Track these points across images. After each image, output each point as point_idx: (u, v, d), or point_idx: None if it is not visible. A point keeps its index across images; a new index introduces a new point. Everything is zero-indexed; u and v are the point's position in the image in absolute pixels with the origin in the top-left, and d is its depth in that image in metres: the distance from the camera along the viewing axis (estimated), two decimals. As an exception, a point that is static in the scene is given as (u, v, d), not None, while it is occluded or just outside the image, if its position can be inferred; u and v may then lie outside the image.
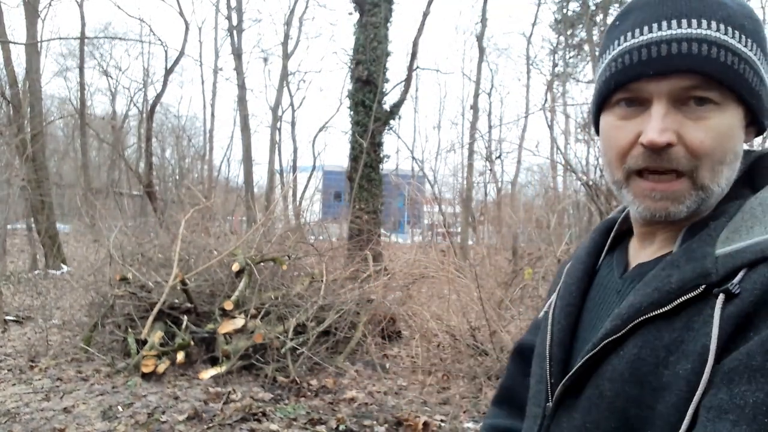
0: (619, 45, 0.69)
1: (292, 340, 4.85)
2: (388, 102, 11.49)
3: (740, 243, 0.63)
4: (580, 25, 17.34)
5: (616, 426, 0.66)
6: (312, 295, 5.53)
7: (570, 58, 19.70)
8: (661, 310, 0.64)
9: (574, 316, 0.80)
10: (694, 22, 0.65)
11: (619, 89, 0.69)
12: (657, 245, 0.75)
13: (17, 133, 11.10)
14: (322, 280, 5.73)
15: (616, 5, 15.29)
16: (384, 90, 11.11)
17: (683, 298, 0.63)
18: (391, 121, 11.66)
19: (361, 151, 10.65)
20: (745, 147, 0.73)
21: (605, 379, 0.67)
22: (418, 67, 14.41)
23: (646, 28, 0.67)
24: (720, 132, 0.66)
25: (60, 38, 21.00)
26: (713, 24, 0.65)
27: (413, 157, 17.32)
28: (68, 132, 25.71)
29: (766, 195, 0.68)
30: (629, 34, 0.68)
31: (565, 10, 18.65)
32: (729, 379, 0.57)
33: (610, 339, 0.67)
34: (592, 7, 15.80)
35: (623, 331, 0.66)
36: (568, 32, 18.84)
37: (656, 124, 0.65)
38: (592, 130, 0.81)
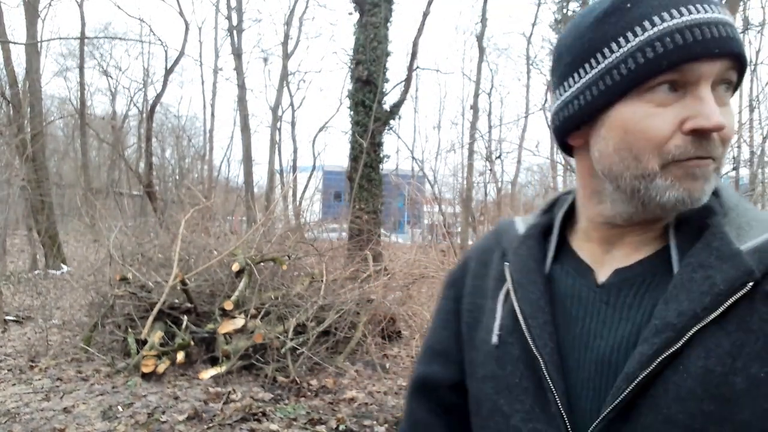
0: (653, 26, 0.63)
1: (292, 340, 4.85)
2: (388, 102, 11.50)
3: (757, 239, 0.63)
4: (580, 25, 17.32)
5: None
6: (312, 295, 5.53)
7: (570, 58, 19.66)
8: (714, 315, 0.60)
9: (555, 336, 0.70)
10: (716, 8, 0.64)
11: (667, 71, 0.63)
12: (627, 248, 0.71)
13: (17, 133, 11.10)
14: (322, 280, 5.73)
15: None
16: (384, 90, 11.11)
17: (732, 299, 0.60)
18: (391, 121, 11.66)
19: (361, 151, 10.65)
20: None
21: (669, 399, 0.60)
22: (418, 67, 14.42)
23: (684, 9, 0.63)
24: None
25: (60, 38, 21.02)
26: (724, 10, 0.64)
27: (413, 157, 17.30)
28: (68, 132, 25.72)
29: (730, 194, 0.71)
30: (665, 15, 0.63)
31: (565, 10, 18.65)
32: None
33: (666, 354, 0.60)
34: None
35: (680, 343, 0.60)
36: (568, 32, 18.82)
37: (715, 108, 0.62)
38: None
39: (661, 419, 0.60)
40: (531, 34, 26.19)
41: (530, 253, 0.76)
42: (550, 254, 0.76)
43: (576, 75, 0.69)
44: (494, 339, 0.74)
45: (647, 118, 0.64)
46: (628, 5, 0.65)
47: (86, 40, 18.44)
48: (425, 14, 12.39)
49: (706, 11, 0.63)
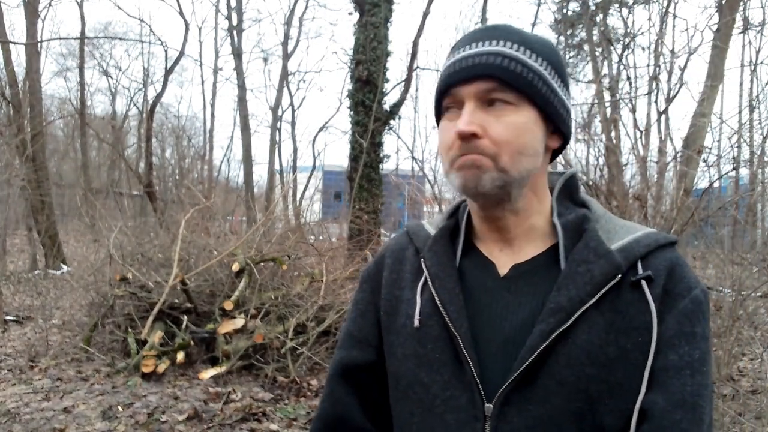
0: (447, 62, 0.85)
1: (292, 340, 4.85)
2: (388, 102, 11.49)
3: (619, 242, 0.82)
4: (580, 25, 17.34)
5: (580, 406, 0.76)
6: (312, 295, 5.53)
7: (570, 58, 19.69)
8: (593, 300, 0.77)
9: (469, 317, 0.84)
10: (494, 42, 0.83)
11: (445, 95, 0.84)
12: (517, 245, 0.88)
13: (17, 133, 11.10)
14: (322, 280, 5.73)
15: (616, 5, 15.33)
16: (384, 90, 11.10)
17: (606, 288, 0.78)
18: (391, 121, 11.66)
19: (361, 151, 10.65)
20: (552, 170, 0.93)
21: (561, 366, 0.76)
22: (418, 67, 14.42)
23: (462, 49, 0.84)
24: (516, 126, 0.81)
25: (60, 38, 21.02)
26: (508, 44, 0.82)
27: (413, 157, 17.28)
28: (68, 132, 25.71)
29: (597, 206, 0.89)
30: (452, 55, 0.85)
31: (565, 10, 18.65)
32: (671, 344, 0.76)
33: (560, 330, 0.76)
34: (592, 7, 15.79)
35: (570, 321, 0.76)
36: (568, 32, 18.84)
37: (464, 118, 0.80)
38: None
39: (555, 382, 0.76)
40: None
41: (444, 251, 0.91)
42: (458, 251, 0.91)
43: None
44: (416, 322, 0.87)
45: (443, 130, 0.86)
46: (455, 42, 0.88)
47: (86, 40, 18.46)
48: (425, 14, 12.40)
49: (477, 47, 0.83)
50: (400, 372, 0.89)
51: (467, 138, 0.80)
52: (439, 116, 0.89)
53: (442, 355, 0.84)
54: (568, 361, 0.76)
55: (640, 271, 0.79)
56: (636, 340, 0.76)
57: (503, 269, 0.87)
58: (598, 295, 0.77)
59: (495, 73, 0.80)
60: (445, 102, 0.85)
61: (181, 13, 23.25)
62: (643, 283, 0.78)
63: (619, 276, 0.78)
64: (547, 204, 0.89)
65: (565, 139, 0.89)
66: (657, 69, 7.19)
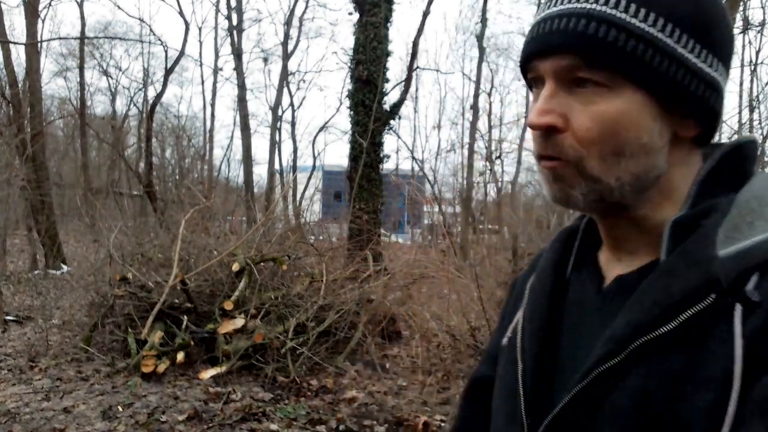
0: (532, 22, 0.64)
1: (292, 340, 4.85)
2: (388, 102, 11.51)
3: (744, 242, 0.53)
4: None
5: None
6: (312, 295, 5.53)
7: (570, 58, 19.67)
8: (665, 329, 0.53)
9: (547, 342, 0.67)
10: None
11: (528, 66, 0.64)
12: (633, 253, 0.65)
13: (17, 133, 11.10)
14: (322, 280, 5.73)
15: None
16: (384, 90, 11.12)
17: (690, 312, 0.52)
18: (391, 121, 11.68)
19: (361, 151, 10.66)
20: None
21: (604, 418, 0.56)
22: (418, 67, 14.43)
23: (548, 3, 0.62)
24: (607, 118, 0.58)
25: (60, 38, 20.99)
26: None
27: (413, 157, 17.34)
28: (68, 132, 25.71)
29: (757, 186, 0.59)
30: (539, 11, 0.63)
31: (565, 10, 18.62)
32: (763, 410, 0.47)
33: (604, 367, 0.56)
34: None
35: (621, 356, 0.55)
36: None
37: (537, 105, 0.60)
38: None
39: None
40: (531, 34, 26.08)
41: (552, 257, 0.74)
42: (571, 258, 0.73)
43: None
44: (504, 341, 0.75)
45: (530, 111, 0.64)
46: None
47: (86, 40, 18.45)
48: (425, 14, 12.41)
49: (561, 3, 0.60)
50: (494, 394, 0.76)
51: (543, 132, 0.61)
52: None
53: (514, 383, 0.69)
54: (612, 413, 0.55)
55: (750, 288, 0.51)
56: (708, 397, 0.50)
57: (609, 282, 0.67)
58: (676, 323, 0.53)
59: (576, 45, 0.58)
60: (529, 73, 0.64)
61: (181, 13, 23.29)
62: (737, 308, 0.51)
63: (713, 296, 0.52)
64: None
65: (707, 123, 0.62)
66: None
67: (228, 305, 5.05)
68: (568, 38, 0.58)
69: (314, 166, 19.79)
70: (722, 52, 0.61)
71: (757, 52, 12.33)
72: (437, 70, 25.23)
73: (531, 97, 0.67)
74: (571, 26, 0.58)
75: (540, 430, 0.61)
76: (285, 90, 19.56)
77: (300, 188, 18.11)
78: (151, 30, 22.05)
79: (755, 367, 0.48)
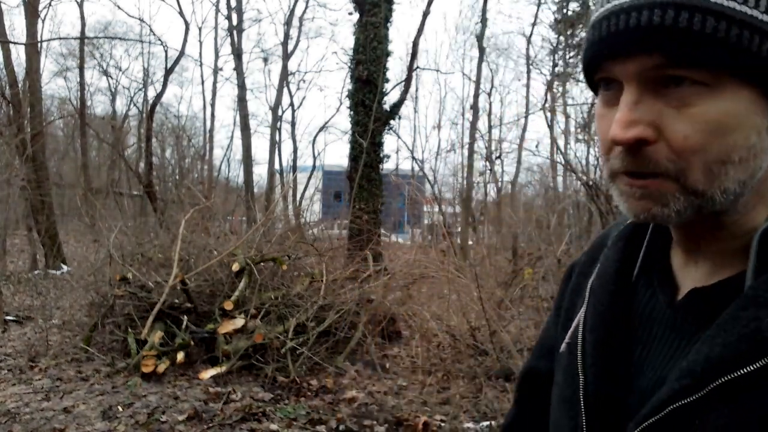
0: (595, 12, 0.55)
1: (292, 340, 4.85)
2: (388, 102, 11.51)
3: None
4: (580, 25, 17.35)
5: None
6: (312, 295, 5.53)
7: (570, 58, 19.69)
8: (752, 367, 0.47)
9: (610, 357, 0.62)
10: None
11: (596, 70, 0.55)
12: (710, 261, 0.58)
13: (17, 133, 11.10)
14: (322, 280, 5.73)
15: (616, 5, 15.30)
16: (384, 90, 11.12)
17: None
18: (391, 121, 11.69)
19: (361, 151, 10.66)
20: None
21: None
22: (418, 67, 14.43)
23: None
24: (714, 122, 0.50)
25: (60, 38, 21.01)
26: None
27: (413, 157, 17.33)
28: (68, 132, 25.71)
29: None
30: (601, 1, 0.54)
31: (565, 10, 18.66)
32: None
33: (680, 404, 0.50)
34: (592, 7, 15.81)
35: (700, 394, 0.49)
36: (568, 32, 18.85)
37: (622, 116, 0.51)
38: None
39: None
40: (531, 34, 26.03)
41: (617, 257, 0.66)
42: (638, 260, 0.66)
43: None
44: (563, 346, 0.69)
45: (598, 119, 0.57)
46: None
47: (86, 40, 18.45)
48: (425, 14, 12.41)
49: None
50: (552, 402, 0.71)
51: (631, 147, 0.52)
52: (594, 84, 0.58)
53: (569, 393, 0.64)
54: None
55: None
56: None
57: (683, 293, 0.60)
58: (763, 362, 0.47)
59: (665, 41, 0.49)
60: (597, 75, 0.55)
61: (181, 13, 23.28)
62: None
63: None
64: None
65: None
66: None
67: (228, 305, 5.05)
68: (655, 34, 0.49)
69: (314, 166, 19.80)
70: None
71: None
72: (437, 70, 25.23)
73: (597, 101, 0.58)
74: (657, 19, 0.49)
75: None
76: (285, 90, 19.58)
77: (300, 188, 18.11)
78: (151, 30, 22.04)
79: None
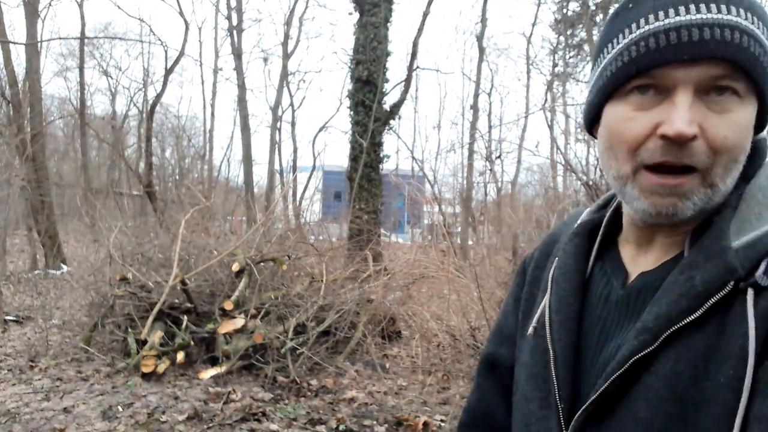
0: (638, 28, 0.63)
1: (292, 340, 4.85)
2: (388, 102, 11.50)
3: (755, 232, 0.60)
4: (580, 25, 17.34)
5: None
6: (312, 295, 5.53)
7: (570, 58, 19.70)
8: (691, 318, 0.59)
9: (575, 333, 0.73)
10: (723, 7, 0.60)
11: (639, 75, 0.63)
12: (659, 251, 0.70)
13: (17, 133, 11.10)
14: (322, 280, 5.73)
15: (616, 5, 15.31)
16: (384, 90, 11.12)
17: (712, 300, 0.59)
18: (391, 121, 11.68)
19: (361, 151, 10.66)
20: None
21: (639, 399, 0.62)
22: (418, 67, 14.42)
23: (672, 11, 0.61)
24: (742, 127, 0.62)
25: (60, 38, 21.00)
26: (741, 11, 0.61)
27: (413, 157, 17.31)
28: (68, 132, 25.70)
29: (763, 178, 0.66)
30: (651, 17, 0.62)
31: (565, 10, 18.65)
32: None
33: (639, 355, 0.61)
34: (592, 7, 15.79)
35: (654, 345, 0.61)
36: (568, 32, 18.85)
37: (685, 114, 0.60)
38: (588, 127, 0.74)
39: (630, 417, 0.62)
40: (531, 34, 26.18)
41: (574, 251, 0.79)
42: (593, 253, 0.78)
43: (593, 67, 0.72)
44: (530, 330, 0.79)
45: (625, 121, 0.65)
46: (630, 5, 0.66)
47: (86, 40, 18.44)
48: (425, 14, 12.40)
49: (699, 12, 0.60)
50: (517, 380, 0.81)
51: (681, 142, 0.61)
52: (609, 95, 0.67)
53: (544, 371, 0.74)
54: (646, 395, 0.61)
55: (759, 274, 0.58)
56: (728, 372, 0.57)
57: (633, 277, 0.72)
58: (700, 312, 0.59)
59: (732, 55, 0.60)
60: (633, 83, 0.64)
61: (181, 13, 23.23)
62: (750, 292, 0.57)
63: (732, 284, 0.59)
64: None
65: (758, 128, 0.68)
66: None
67: (228, 305, 5.05)
68: (726, 48, 0.60)
69: (314, 166, 19.78)
70: None
71: None
72: (437, 70, 25.32)
73: (620, 106, 0.66)
74: (727, 37, 0.60)
75: (578, 414, 0.67)
76: (285, 90, 19.55)
77: (300, 188, 18.11)
78: (151, 30, 22.05)
79: (766, 344, 0.55)
